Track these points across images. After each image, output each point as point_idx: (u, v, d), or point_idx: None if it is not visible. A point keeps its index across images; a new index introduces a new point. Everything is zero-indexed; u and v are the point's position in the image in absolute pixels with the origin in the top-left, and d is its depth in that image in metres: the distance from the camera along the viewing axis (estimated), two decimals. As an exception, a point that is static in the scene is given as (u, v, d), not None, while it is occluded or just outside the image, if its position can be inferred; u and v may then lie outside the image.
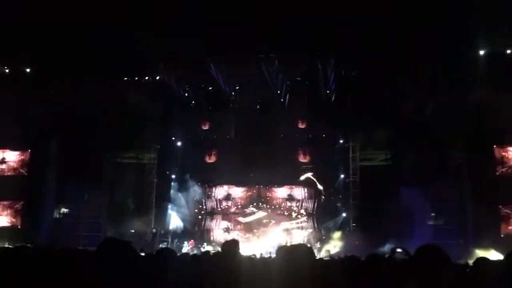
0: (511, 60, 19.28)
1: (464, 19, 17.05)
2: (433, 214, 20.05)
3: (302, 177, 22.72)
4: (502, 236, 18.99)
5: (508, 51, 19.41)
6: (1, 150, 22.62)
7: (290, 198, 23.45)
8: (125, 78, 22.74)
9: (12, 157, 22.65)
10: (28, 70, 22.15)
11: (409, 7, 17.26)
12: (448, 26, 17.67)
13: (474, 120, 19.18)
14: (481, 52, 19.57)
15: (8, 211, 21.95)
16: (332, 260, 9.60)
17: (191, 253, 15.15)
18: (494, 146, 20.00)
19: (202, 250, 19.70)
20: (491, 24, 16.87)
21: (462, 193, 19.80)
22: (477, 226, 18.96)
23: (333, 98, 22.41)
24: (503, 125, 18.00)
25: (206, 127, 24.15)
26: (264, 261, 7.53)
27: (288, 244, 3.00)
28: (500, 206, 19.36)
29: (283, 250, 2.85)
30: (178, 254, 6.23)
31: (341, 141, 22.99)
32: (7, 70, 22.24)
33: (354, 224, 21.19)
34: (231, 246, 4.65)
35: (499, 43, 19.09)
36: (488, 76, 18.75)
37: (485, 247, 17.14)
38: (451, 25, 17.67)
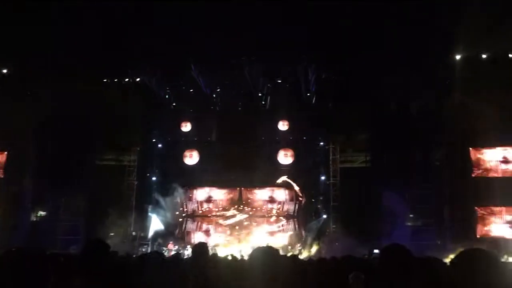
0: (487, 65, 19.68)
1: (441, 24, 17.39)
2: (411, 215, 20.34)
3: (279, 180, 22.75)
4: (478, 237, 19.34)
5: (484, 56, 19.82)
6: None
7: (271, 200, 23.49)
8: (105, 80, 22.52)
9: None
10: (4, 71, 21.74)
11: (388, 11, 17.54)
12: (426, 30, 17.98)
13: (451, 123, 19.55)
14: (458, 57, 19.96)
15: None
16: (305, 262, 9.69)
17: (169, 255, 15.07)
18: (470, 148, 20.36)
19: (186, 252, 19.65)
20: (467, 29, 17.22)
21: (439, 195, 20.14)
22: (454, 227, 19.32)
23: (313, 101, 22.56)
24: (479, 128, 18.39)
25: (187, 129, 24.03)
26: (237, 263, 7.56)
27: (263, 246, 3.03)
28: (476, 208, 19.71)
29: (254, 252, 2.92)
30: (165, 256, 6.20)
31: (321, 143, 23.15)
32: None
33: (334, 226, 21.35)
34: (201, 248, 4.66)
35: (475, 48, 19.48)
36: (464, 80, 19.13)
37: (462, 247, 17.43)
38: (429, 30, 17.99)
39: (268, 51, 19.29)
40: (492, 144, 20.17)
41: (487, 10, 15.37)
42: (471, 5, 15.90)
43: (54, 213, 21.97)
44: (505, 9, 15.90)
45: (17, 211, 21.28)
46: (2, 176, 21.98)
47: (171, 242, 22.43)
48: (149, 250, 20.53)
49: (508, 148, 20.21)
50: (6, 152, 22.14)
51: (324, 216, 22.11)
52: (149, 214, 23.11)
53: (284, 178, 22.68)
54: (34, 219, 22.44)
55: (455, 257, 2.59)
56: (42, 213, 22.60)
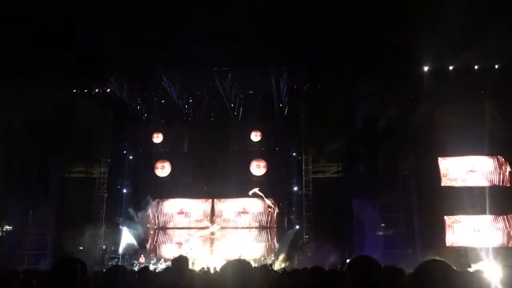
0: (453, 76, 20.25)
1: (409, 37, 17.82)
2: (382, 225, 20.59)
3: (250, 192, 22.68)
4: (447, 245, 19.70)
5: (450, 68, 20.38)
6: None
7: (244, 211, 23.39)
8: (74, 90, 22.12)
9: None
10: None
11: (359, 23, 17.89)
12: (395, 42, 18.41)
13: (420, 133, 19.96)
14: (426, 68, 20.47)
15: None
16: (278, 273, 9.67)
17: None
18: (439, 158, 20.80)
19: (159, 265, 19.32)
20: (434, 41, 17.72)
21: (409, 204, 20.47)
22: (424, 236, 19.63)
23: (286, 111, 22.70)
24: (447, 138, 18.85)
25: (158, 140, 23.77)
26: (210, 277, 7.50)
27: (234, 259, 3.02)
28: (445, 216, 20.09)
29: (226, 265, 2.90)
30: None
31: (294, 154, 23.27)
32: None
33: (307, 236, 21.39)
34: (181, 262, 4.60)
35: (442, 60, 20.02)
36: (432, 91, 19.64)
37: (432, 256, 17.71)
38: (398, 42, 18.42)
39: (240, 62, 19.36)
40: (459, 154, 20.64)
41: (453, 23, 15.82)
42: (438, 18, 16.38)
43: (21, 227, 21.33)
44: (471, 22, 16.40)
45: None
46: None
47: (142, 255, 22.05)
48: (119, 264, 20.13)
49: (475, 158, 20.70)
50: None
51: (297, 227, 22.13)
52: (120, 227, 22.67)
53: (255, 190, 22.60)
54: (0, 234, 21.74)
55: (415, 270, 2.64)
56: (7, 227, 21.90)
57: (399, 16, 17.48)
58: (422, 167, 20.56)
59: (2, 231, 21.86)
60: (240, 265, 2.87)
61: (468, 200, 18.99)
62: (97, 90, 22.36)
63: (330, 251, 18.64)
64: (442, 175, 20.62)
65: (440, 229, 19.90)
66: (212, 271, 11.62)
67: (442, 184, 20.47)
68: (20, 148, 21.11)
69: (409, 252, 19.70)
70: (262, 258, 21.69)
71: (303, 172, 22.17)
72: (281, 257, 21.54)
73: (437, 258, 2.88)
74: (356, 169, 21.44)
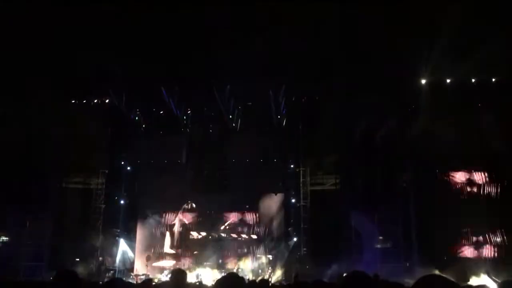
0: (452, 89, 20.34)
1: (407, 49, 17.93)
2: (380, 237, 20.52)
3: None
4: (445, 259, 19.59)
5: (448, 80, 20.47)
6: None
7: (242, 223, 23.34)
8: (73, 101, 22.16)
9: None
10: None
11: (357, 36, 17.99)
12: (393, 55, 18.50)
13: (418, 146, 20.00)
14: (423, 81, 20.57)
15: None
16: (276, 286, 9.62)
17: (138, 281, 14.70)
18: (437, 171, 20.79)
19: (162, 277, 19.22)
20: (432, 54, 17.83)
21: (407, 217, 20.42)
22: (422, 249, 19.56)
23: (284, 123, 22.75)
24: (446, 151, 18.87)
25: (157, 151, 23.76)
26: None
27: (235, 271, 3.03)
28: (444, 230, 19.98)
29: (218, 281, 2.90)
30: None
31: (291, 166, 23.26)
32: None
33: (305, 249, 21.31)
34: (179, 275, 4.60)
35: (440, 73, 20.13)
36: (429, 104, 19.71)
37: (431, 269, 17.65)
38: (396, 55, 18.51)
39: (239, 73, 19.41)
40: (457, 167, 20.64)
41: (451, 35, 15.94)
42: (436, 31, 16.50)
43: (17, 238, 21.21)
44: (468, 35, 16.52)
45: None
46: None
47: (137, 267, 21.99)
48: (116, 276, 20.01)
49: (473, 171, 20.67)
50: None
51: (295, 239, 22.06)
52: (117, 238, 22.58)
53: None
54: (-5, 245, 21.61)
55: (414, 285, 2.62)
56: (4, 238, 21.78)
57: (397, 29, 17.59)
58: (421, 180, 20.54)
59: (-1, 242, 21.74)
60: (234, 279, 2.87)
61: (466, 213, 18.97)
62: (95, 101, 22.40)
63: (328, 263, 18.61)
64: (440, 189, 20.55)
65: (439, 242, 19.81)
66: (205, 282, 11.56)
67: (440, 197, 20.36)
68: (17, 158, 21.06)
69: (407, 265, 19.61)
70: (260, 271, 21.59)
71: (301, 184, 22.14)
72: (279, 269, 21.45)
73: (437, 272, 2.88)
74: (354, 181, 21.44)
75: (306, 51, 18.64)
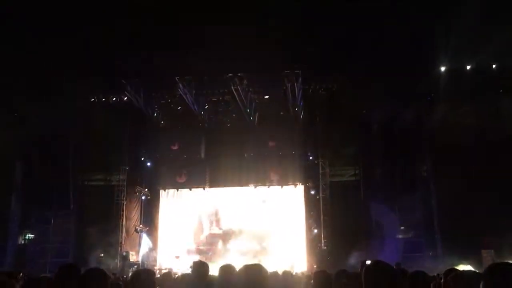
0: (471, 76, 19.98)
1: (425, 36, 17.69)
2: (402, 228, 20.36)
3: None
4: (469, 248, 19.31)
5: (468, 67, 20.12)
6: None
7: (261, 215, 23.38)
8: (92, 99, 22.47)
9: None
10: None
11: (373, 24, 17.81)
12: (411, 43, 18.27)
13: (437, 134, 19.74)
14: (442, 68, 20.25)
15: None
16: (298, 277, 9.63)
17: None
18: (457, 159, 20.43)
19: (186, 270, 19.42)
20: (451, 41, 17.55)
21: (428, 207, 20.20)
22: (445, 239, 19.34)
23: (301, 116, 22.68)
24: (466, 139, 18.58)
25: (175, 147, 23.92)
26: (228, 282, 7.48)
27: (254, 263, 3.03)
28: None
29: (245, 271, 2.92)
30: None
31: (310, 158, 23.20)
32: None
33: (325, 240, 21.28)
34: (201, 267, 4.64)
35: (459, 60, 19.79)
36: (449, 92, 19.38)
37: (454, 259, 17.48)
38: (414, 43, 18.28)
39: (255, 67, 19.38)
40: (478, 155, 20.24)
41: (470, 21, 15.65)
42: (455, 17, 16.21)
43: (43, 235, 21.69)
44: (488, 20, 16.21)
45: (5, 235, 20.99)
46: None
47: (161, 261, 22.25)
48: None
49: (495, 158, 20.26)
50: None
51: (315, 231, 22.05)
52: (139, 233, 22.91)
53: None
54: (22, 242, 22.12)
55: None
56: (30, 235, 22.28)
57: (415, 16, 17.36)
58: (440, 169, 20.25)
59: (25, 239, 22.24)
60: (259, 270, 2.90)
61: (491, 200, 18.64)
62: (114, 99, 22.66)
63: (349, 254, 18.57)
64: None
65: (463, 232, 19.53)
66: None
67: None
68: (41, 158, 21.48)
69: (430, 255, 19.44)
70: (280, 263, 21.62)
71: (320, 176, 22.07)
72: (300, 261, 21.48)
73: (462, 264, 2.80)
74: (374, 171, 21.31)
75: (322, 40, 18.54)
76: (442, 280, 4.54)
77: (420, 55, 18.85)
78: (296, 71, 19.39)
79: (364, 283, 2.95)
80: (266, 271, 2.93)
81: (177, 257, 21.99)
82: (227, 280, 3.90)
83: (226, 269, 4.17)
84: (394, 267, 3.23)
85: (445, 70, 20.28)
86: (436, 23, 16.87)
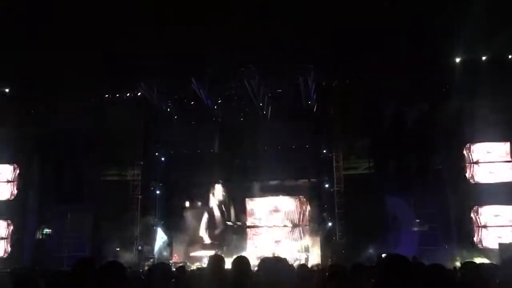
0: (486, 67, 19.67)
1: (439, 27, 17.46)
2: (417, 220, 20.23)
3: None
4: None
5: (483, 58, 19.82)
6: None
7: (276, 209, 23.45)
8: (106, 95, 22.64)
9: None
10: (7, 90, 21.84)
11: (386, 16, 17.64)
12: (425, 34, 18.05)
13: (452, 126, 19.53)
14: (457, 60, 19.97)
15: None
16: (315, 270, 9.65)
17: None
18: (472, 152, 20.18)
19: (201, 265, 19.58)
20: (465, 31, 17.28)
21: (444, 199, 20.02)
22: (461, 232, 19.18)
23: (315, 109, 22.61)
24: (481, 131, 18.35)
25: (189, 141, 24.04)
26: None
27: (271, 256, 3.07)
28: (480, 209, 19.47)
29: (263, 263, 2.94)
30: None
31: (324, 151, 23.14)
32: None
33: (340, 233, 21.25)
34: (217, 261, 4.66)
35: (474, 51, 19.50)
36: (463, 83, 19.08)
37: (469, 251, 17.37)
38: (428, 34, 18.06)
39: (267, 61, 19.35)
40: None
41: (485, 10, 15.41)
42: (469, 6, 15.96)
43: (59, 230, 22.01)
44: (503, 9, 15.94)
45: (23, 229, 21.35)
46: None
47: (176, 255, 22.44)
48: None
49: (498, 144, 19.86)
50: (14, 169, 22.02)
51: (330, 224, 22.03)
52: (155, 228, 23.10)
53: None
54: (40, 237, 22.45)
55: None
56: (47, 230, 22.60)
57: (429, 6, 17.15)
58: (454, 161, 20.04)
59: (42, 234, 22.56)
60: (278, 262, 2.93)
61: (502, 193, 18.46)
62: (128, 95, 22.81)
63: (364, 248, 18.54)
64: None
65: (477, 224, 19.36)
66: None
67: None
68: (55, 154, 21.75)
69: (446, 248, 19.30)
70: (295, 257, 21.67)
71: (334, 169, 22.01)
72: (314, 255, 21.50)
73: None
74: (388, 165, 21.18)
75: (335, 33, 18.43)
76: (459, 274, 4.52)
77: (434, 46, 18.62)
78: (309, 64, 19.32)
79: (379, 276, 2.95)
80: (282, 264, 2.96)
81: (192, 251, 22.16)
82: (241, 272, 3.91)
83: (241, 261, 4.18)
84: (411, 260, 3.23)
85: (460, 61, 20.00)
86: (451, 12, 16.62)
